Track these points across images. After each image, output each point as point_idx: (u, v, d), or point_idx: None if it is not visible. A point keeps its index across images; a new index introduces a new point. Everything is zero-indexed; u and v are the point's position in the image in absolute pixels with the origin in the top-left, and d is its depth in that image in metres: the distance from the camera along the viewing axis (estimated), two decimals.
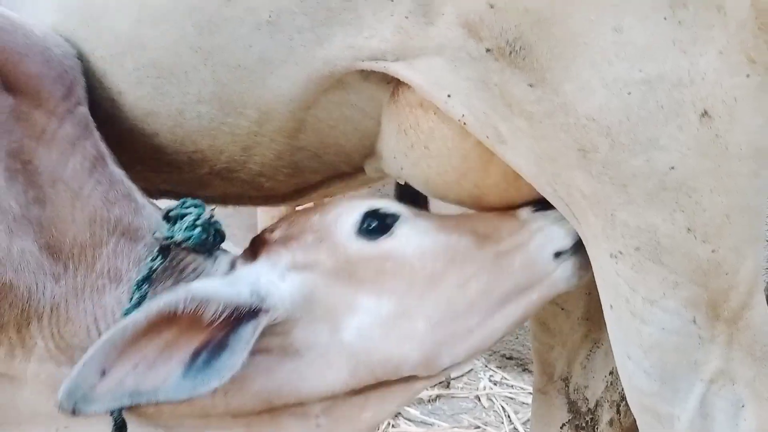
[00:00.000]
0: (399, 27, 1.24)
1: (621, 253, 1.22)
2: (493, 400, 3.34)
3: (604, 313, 1.32)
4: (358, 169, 1.52)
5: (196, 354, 1.19)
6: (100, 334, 1.24)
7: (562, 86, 1.16)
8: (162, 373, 1.17)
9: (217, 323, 1.21)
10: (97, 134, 1.34)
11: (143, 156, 1.46)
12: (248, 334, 1.21)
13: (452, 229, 1.37)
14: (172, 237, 1.29)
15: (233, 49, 1.31)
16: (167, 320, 1.18)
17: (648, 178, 1.16)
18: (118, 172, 1.34)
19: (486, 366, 3.64)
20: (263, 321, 1.24)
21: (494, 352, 3.71)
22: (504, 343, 3.67)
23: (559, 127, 1.18)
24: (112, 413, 1.25)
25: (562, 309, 1.75)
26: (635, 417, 1.35)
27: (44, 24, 1.39)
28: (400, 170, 1.40)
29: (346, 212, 1.37)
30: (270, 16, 1.29)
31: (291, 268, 1.32)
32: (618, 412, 1.78)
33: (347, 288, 1.31)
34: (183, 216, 1.32)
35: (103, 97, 1.42)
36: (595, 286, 1.32)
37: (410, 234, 1.35)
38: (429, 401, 3.31)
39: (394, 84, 1.33)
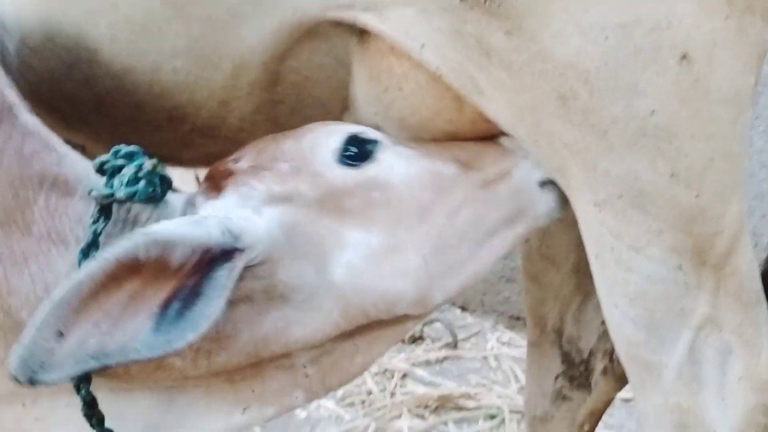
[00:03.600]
0: None
1: (604, 201, 1.21)
2: (501, 360, 3.35)
3: (590, 263, 1.31)
4: None
5: (166, 305, 1.04)
6: None
7: (539, 33, 1.15)
8: (130, 329, 1.02)
9: (186, 269, 1.06)
10: (2, 81, 1.19)
11: (124, 116, 1.46)
12: (224, 278, 1.07)
13: (436, 156, 1.28)
14: (112, 195, 1.15)
15: (203, 1, 1.30)
16: (128, 270, 1.03)
17: (628, 124, 1.15)
18: (33, 122, 1.19)
19: (494, 326, 3.65)
20: (239, 262, 1.09)
21: (502, 313, 3.71)
22: (512, 304, 3.67)
23: (538, 75, 1.17)
24: (78, 390, 1.14)
25: (553, 262, 1.75)
26: (624, 367, 1.35)
27: None
28: (374, 115, 1.37)
29: (324, 137, 1.25)
30: None
31: (267, 201, 1.19)
32: (611, 360, 1.79)
33: (333, 221, 1.19)
34: (120, 168, 1.17)
35: (80, 57, 1.41)
36: None
37: (394, 160, 1.25)
38: (436, 362, 3.32)
39: (361, 31, 1.31)
